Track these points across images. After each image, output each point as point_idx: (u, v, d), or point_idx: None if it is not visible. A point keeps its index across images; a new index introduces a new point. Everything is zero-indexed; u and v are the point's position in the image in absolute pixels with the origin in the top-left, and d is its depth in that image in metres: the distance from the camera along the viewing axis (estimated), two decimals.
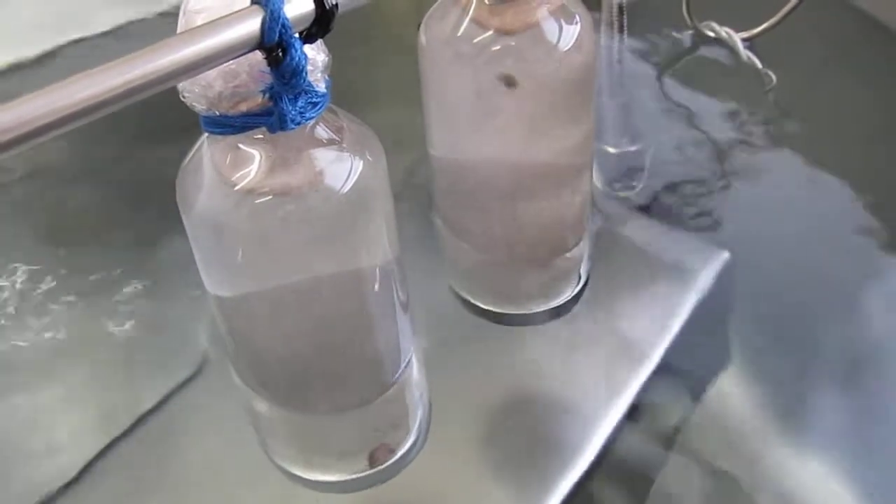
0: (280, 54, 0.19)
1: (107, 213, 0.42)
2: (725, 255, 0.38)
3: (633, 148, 0.43)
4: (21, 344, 0.36)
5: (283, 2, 0.19)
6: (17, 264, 0.39)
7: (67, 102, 0.17)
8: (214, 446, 0.32)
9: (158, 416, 0.33)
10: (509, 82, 0.28)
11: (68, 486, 0.31)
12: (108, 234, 0.41)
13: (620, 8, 0.46)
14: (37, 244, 0.40)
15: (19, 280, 0.38)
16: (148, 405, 0.33)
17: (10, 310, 0.37)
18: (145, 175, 0.43)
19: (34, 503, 0.30)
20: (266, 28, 0.18)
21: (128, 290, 0.37)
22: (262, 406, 0.27)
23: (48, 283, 0.38)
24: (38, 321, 0.36)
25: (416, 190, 0.38)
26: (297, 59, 0.19)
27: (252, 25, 0.19)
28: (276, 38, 0.19)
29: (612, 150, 0.43)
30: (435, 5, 0.30)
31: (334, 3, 0.20)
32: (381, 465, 0.29)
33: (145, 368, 0.35)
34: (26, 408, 0.34)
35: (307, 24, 0.20)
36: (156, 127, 0.42)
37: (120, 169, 0.44)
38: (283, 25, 0.19)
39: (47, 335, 0.36)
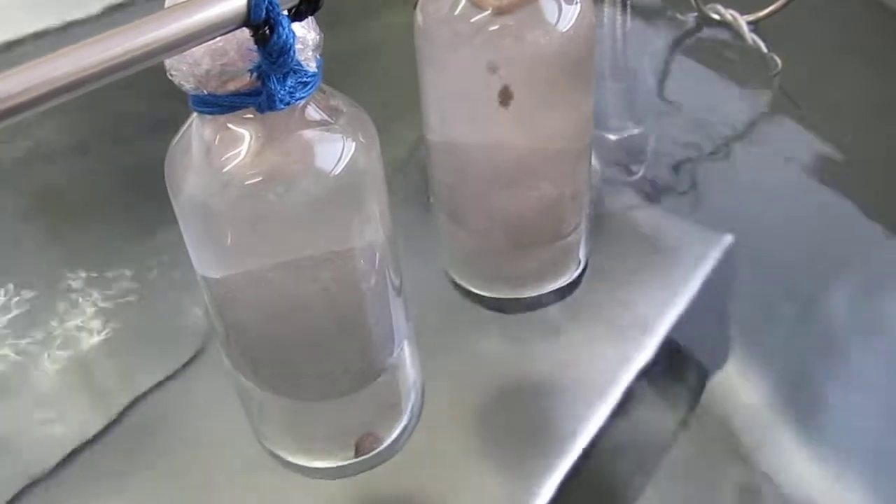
0: (267, 32, 0.19)
1: (102, 193, 0.42)
2: (728, 238, 0.37)
3: (635, 131, 0.43)
4: (13, 329, 0.36)
5: None
6: (9, 246, 0.39)
7: (49, 78, 0.17)
8: (208, 432, 0.32)
9: (153, 401, 0.33)
10: (505, 98, 0.28)
11: (61, 467, 0.31)
12: (103, 215, 0.40)
13: None
14: (29, 225, 0.40)
15: (13, 264, 0.38)
16: (143, 389, 0.33)
17: (3, 291, 0.37)
18: (142, 152, 0.42)
19: (23, 485, 0.30)
20: (252, 5, 0.18)
21: (124, 272, 0.37)
22: (253, 392, 0.27)
23: (44, 265, 0.38)
24: (31, 304, 0.36)
25: (412, 173, 0.38)
26: (284, 37, 0.19)
27: (239, 2, 0.18)
28: (263, 14, 0.18)
29: (613, 133, 0.43)
30: None
31: None
32: (367, 454, 0.29)
33: (141, 352, 0.35)
34: (19, 389, 0.34)
35: (296, 2, 0.19)
36: (151, 102, 0.42)
37: (117, 146, 0.44)
38: (271, 2, 0.18)
39: (41, 317, 0.36)
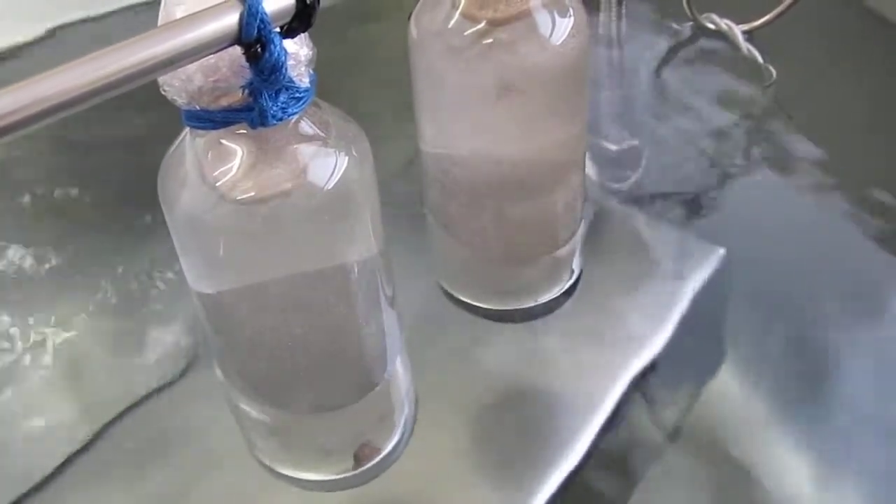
0: (259, 50, 0.19)
1: (95, 202, 0.42)
2: (721, 251, 0.37)
3: (629, 142, 0.43)
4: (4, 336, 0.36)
5: None
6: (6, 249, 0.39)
7: (42, 97, 0.17)
8: (201, 444, 0.32)
9: (144, 412, 0.33)
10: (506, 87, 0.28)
11: (51, 479, 0.31)
12: (95, 224, 0.40)
13: None
14: (22, 233, 0.40)
15: (4, 268, 0.38)
16: (135, 399, 0.33)
17: None
18: (135, 162, 0.42)
19: (12, 498, 0.30)
20: (244, 23, 0.18)
21: (115, 282, 0.37)
22: (246, 405, 0.27)
23: (34, 274, 0.38)
24: (23, 313, 0.36)
25: (406, 186, 0.38)
26: (276, 54, 0.19)
27: (230, 20, 0.18)
28: (255, 33, 0.18)
29: (608, 143, 0.43)
30: None
31: None
32: (367, 464, 0.29)
33: (134, 362, 0.34)
34: (8, 401, 0.33)
35: (287, 19, 0.19)
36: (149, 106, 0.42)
37: (110, 155, 0.44)
38: (262, 20, 0.18)
39: (31, 325, 0.36)
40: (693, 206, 0.40)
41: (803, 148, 0.42)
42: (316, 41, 0.22)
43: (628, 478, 0.30)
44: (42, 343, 0.35)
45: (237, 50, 0.19)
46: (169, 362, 0.34)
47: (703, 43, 0.49)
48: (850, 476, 0.30)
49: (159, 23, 0.20)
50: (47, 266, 0.38)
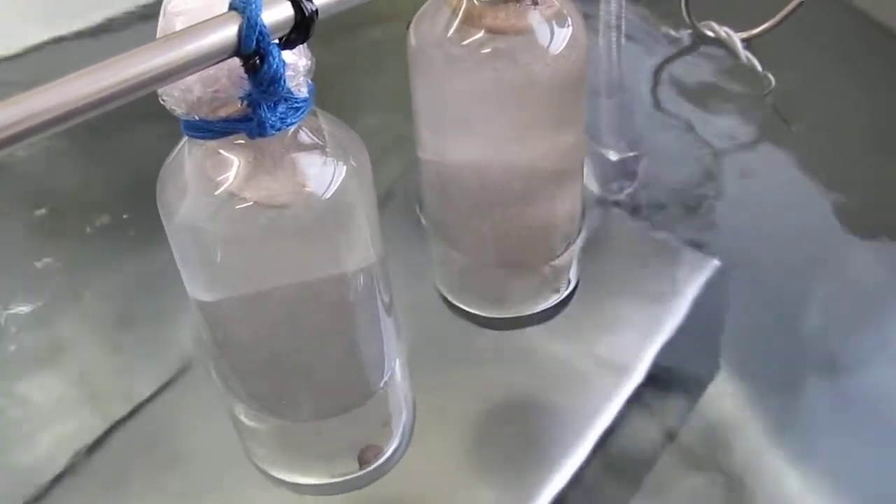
0: (258, 62, 0.19)
1: (94, 203, 0.42)
2: (714, 262, 0.37)
3: (628, 150, 0.43)
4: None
5: (260, 8, 0.18)
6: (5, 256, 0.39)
7: (42, 109, 0.17)
8: (197, 450, 0.32)
9: (140, 418, 0.33)
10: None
11: (54, 482, 0.31)
12: (94, 229, 0.40)
13: (619, 6, 0.46)
14: (21, 234, 0.40)
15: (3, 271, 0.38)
16: (130, 405, 0.33)
17: None
18: (135, 164, 0.42)
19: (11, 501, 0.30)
20: (243, 35, 0.18)
21: (114, 285, 0.37)
22: (244, 411, 0.27)
23: (34, 276, 0.38)
24: (22, 315, 0.36)
25: (405, 193, 0.38)
26: (275, 66, 0.19)
27: (229, 32, 0.18)
28: (254, 45, 0.18)
29: (607, 151, 0.43)
30: (425, 5, 0.29)
31: (314, 9, 0.19)
32: (371, 465, 0.29)
33: (130, 368, 0.35)
34: (9, 402, 0.34)
35: (286, 31, 0.19)
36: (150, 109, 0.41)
37: (110, 156, 0.44)
38: (261, 33, 0.18)
39: (31, 328, 0.36)
40: (690, 214, 0.40)
41: (802, 156, 0.43)
42: (313, 50, 0.22)
43: (626, 485, 0.31)
44: (44, 347, 0.35)
45: (236, 61, 0.19)
46: (168, 368, 0.34)
47: (702, 51, 0.49)
48: (847, 487, 0.30)
49: (158, 34, 0.20)
50: (43, 264, 0.38)
